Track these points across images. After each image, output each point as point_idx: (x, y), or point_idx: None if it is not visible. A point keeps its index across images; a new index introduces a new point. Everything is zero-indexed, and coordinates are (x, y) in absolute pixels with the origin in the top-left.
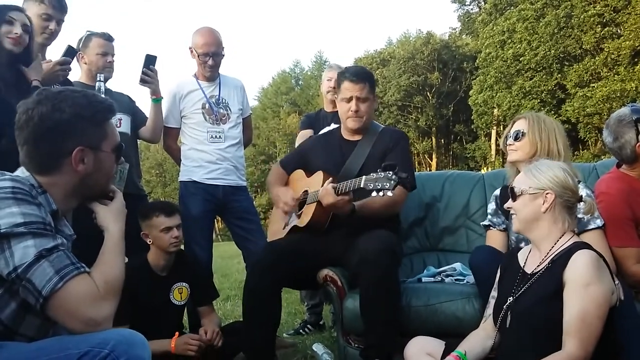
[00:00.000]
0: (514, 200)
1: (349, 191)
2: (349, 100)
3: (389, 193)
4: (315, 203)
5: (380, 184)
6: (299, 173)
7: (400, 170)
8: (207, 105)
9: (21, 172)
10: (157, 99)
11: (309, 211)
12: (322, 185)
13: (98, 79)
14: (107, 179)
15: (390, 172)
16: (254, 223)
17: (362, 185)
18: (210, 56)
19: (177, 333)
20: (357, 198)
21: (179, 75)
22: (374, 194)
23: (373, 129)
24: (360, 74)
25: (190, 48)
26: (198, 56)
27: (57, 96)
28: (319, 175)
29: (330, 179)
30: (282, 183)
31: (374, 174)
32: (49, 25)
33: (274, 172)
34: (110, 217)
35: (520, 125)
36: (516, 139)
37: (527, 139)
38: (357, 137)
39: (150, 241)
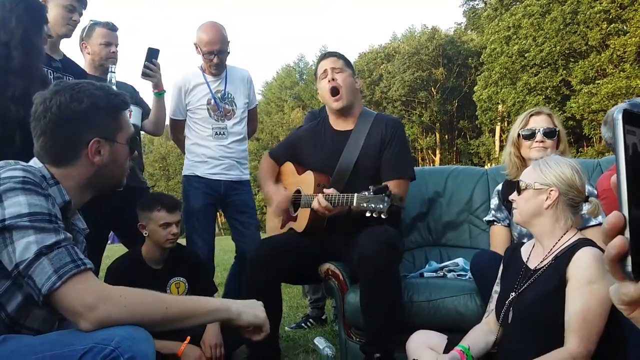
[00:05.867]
0: (519, 193)
1: (343, 206)
2: (325, 74)
3: (383, 215)
4: (310, 208)
5: (373, 205)
6: (289, 167)
7: (396, 196)
8: (212, 101)
9: (34, 162)
10: (159, 93)
11: (304, 216)
12: (313, 189)
13: (110, 69)
14: (122, 171)
15: (383, 194)
16: (251, 217)
17: (354, 204)
18: (215, 54)
19: (188, 338)
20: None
21: (183, 67)
22: (367, 214)
23: (366, 117)
24: (331, 52)
25: (195, 44)
26: (202, 54)
27: (74, 87)
28: (309, 175)
29: (320, 194)
30: (274, 176)
31: (366, 193)
32: (73, 17)
33: (264, 164)
34: None
35: (546, 121)
36: (550, 136)
37: (558, 136)
38: (348, 127)
39: (146, 233)
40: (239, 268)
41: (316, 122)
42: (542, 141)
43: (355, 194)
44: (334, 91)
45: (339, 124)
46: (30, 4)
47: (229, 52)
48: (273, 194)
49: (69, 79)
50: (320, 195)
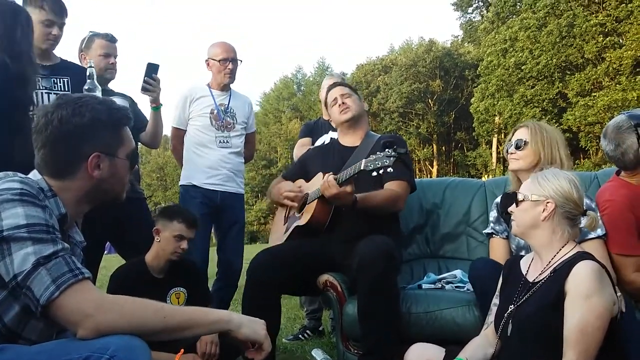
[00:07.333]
0: (517, 205)
1: (350, 178)
2: (335, 101)
3: (390, 169)
4: (316, 200)
5: (380, 162)
6: (300, 182)
7: (400, 147)
8: (215, 112)
9: (33, 175)
10: (156, 107)
11: (310, 209)
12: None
13: (89, 64)
14: (122, 185)
15: (389, 150)
16: (240, 232)
17: (362, 168)
18: (230, 61)
19: (182, 350)
20: (359, 192)
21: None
22: (374, 173)
23: (370, 137)
24: (337, 82)
25: (206, 60)
26: (219, 62)
27: (77, 101)
28: (318, 176)
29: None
30: None
31: (373, 155)
32: (52, 31)
33: (275, 182)
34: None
35: (521, 134)
36: (518, 148)
37: (530, 148)
38: (355, 143)
39: (158, 239)
40: (222, 284)
41: (327, 144)
42: (512, 153)
43: (364, 159)
44: (344, 107)
45: (346, 140)
46: (27, 16)
47: (241, 61)
48: (282, 186)
49: (62, 80)
50: (328, 176)
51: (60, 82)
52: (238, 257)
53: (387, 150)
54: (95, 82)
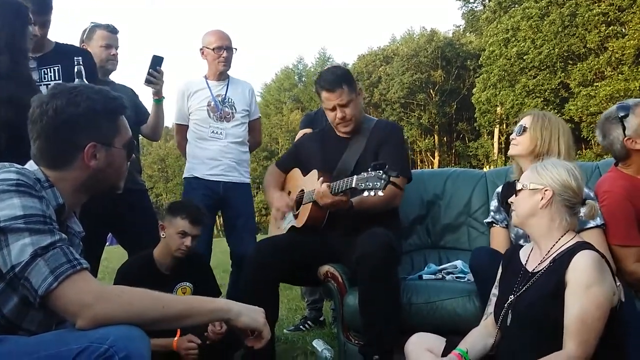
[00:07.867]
0: (516, 195)
1: (344, 190)
2: (333, 109)
3: (380, 193)
4: (312, 203)
5: (371, 184)
6: (296, 172)
7: (391, 169)
8: (212, 103)
9: (30, 165)
10: (159, 100)
11: (305, 211)
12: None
13: (77, 62)
14: (119, 175)
15: (381, 172)
16: (248, 221)
17: (353, 185)
18: (225, 49)
19: (179, 331)
20: (353, 195)
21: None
22: (365, 193)
23: (367, 124)
24: (334, 81)
25: (201, 49)
26: (213, 50)
27: (72, 91)
28: (313, 174)
29: (322, 179)
30: (279, 184)
31: (365, 174)
32: (33, 31)
33: (270, 173)
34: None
35: (524, 121)
36: (518, 133)
37: (528, 135)
38: (352, 132)
39: (163, 235)
40: (237, 277)
41: (321, 129)
42: (513, 138)
43: (355, 176)
44: (344, 122)
45: (343, 132)
46: (15, 7)
47: (236, 49)
48: (275, 199)
49: (52, 69)
50: (321, 180)
51: (50, 72)
52: (249, 248)
53: (378, 172)
54: (85, 80)
